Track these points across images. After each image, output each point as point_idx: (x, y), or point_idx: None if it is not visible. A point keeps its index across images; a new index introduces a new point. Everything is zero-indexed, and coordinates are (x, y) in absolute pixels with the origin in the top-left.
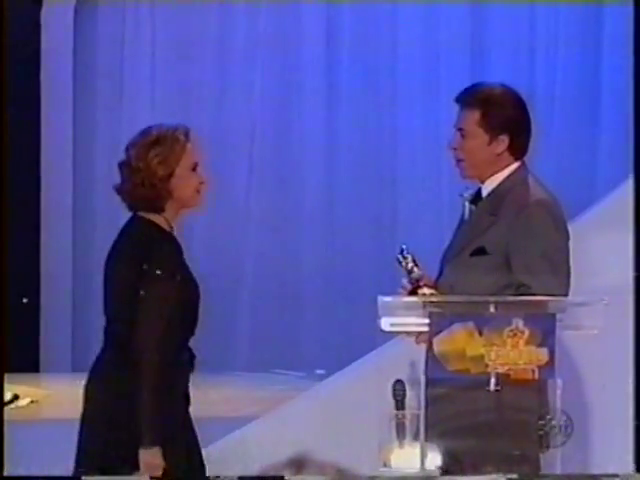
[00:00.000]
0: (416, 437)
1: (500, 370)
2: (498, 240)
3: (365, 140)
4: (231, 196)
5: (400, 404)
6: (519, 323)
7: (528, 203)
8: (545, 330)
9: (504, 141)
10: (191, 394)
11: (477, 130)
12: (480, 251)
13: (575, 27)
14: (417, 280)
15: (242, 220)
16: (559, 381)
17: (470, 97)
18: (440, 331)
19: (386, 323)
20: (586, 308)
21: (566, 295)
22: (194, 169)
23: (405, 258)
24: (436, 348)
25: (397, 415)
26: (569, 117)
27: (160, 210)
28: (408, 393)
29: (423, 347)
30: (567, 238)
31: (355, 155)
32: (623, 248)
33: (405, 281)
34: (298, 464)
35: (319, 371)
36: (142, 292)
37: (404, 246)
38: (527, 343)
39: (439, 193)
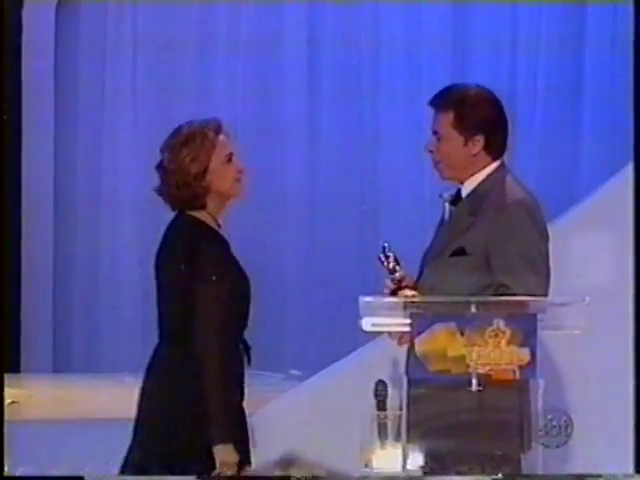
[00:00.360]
0: (398, 437)
1: (481, 370)
2: (478, 240)
3: (347, 139)
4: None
5: (382, 404)
6: (500, 323)
7: (507, 203)
8: (526, 330)
9: (479, 141)
10: None
11: (451, 132)
12: (460, 252)
13: (557, 27)
14: (399, 281)
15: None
16: (541, 381)
17: (443, 100)
18: (421, 331)
19: (367, 323)
20: (567, 308)
21: (545, 295)
22: (229, 160)
23: (387, 258)
24: (417, 348)
25: (379, 415)
26: (551, 117)
27: (202, 206)
28: (390, 393)
29: (405, 348)
30: (546, 238)
31: (337, 155)
32: (604, 248)
33: (388, 281)
34: (286, 463)
35: (296, 372)
36: (196, 290)
37: (386, 245)
38: (509, 343)
39: (421, 193)
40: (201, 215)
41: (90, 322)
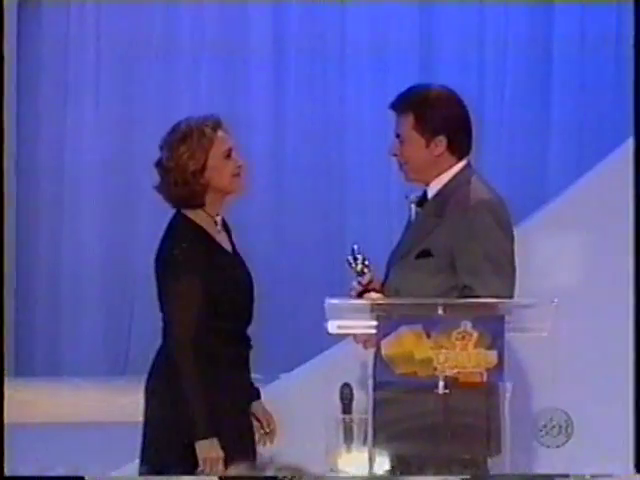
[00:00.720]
0: (364, 441)
1: (448, 373)
2: (443, 242)
3: (313, 141)
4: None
5: (347, 408)
6: (468, 325)
7: (471, 204)
8: (494, 332)
9: (442, 142)
10: (130, 399)
11: (413, 134)
12: (425, 253)
13: (525, 27)
14: (367, 283)
15: None
16: (508, 384)
17: (403, 102)
18: (388, 334)
19: (333, 326)
20: (535, 310)
21: (511, 297)
22: (228, 156)
23: (355, 260)
24: (384, 351)
25: (344, 419)
26: (519, 117)
27: (201, 204)
28: (355, 396)
29: (371, 350)
30: (512, 239)
31: (303, 157)
32: (572, 250)
33: (355, 283)
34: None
35: (258, 376)
36: (167, 288)
37: (355, 247)
38: (476, 346)
39: (388, 193)
40: (197, 215)
41: (52, 324)
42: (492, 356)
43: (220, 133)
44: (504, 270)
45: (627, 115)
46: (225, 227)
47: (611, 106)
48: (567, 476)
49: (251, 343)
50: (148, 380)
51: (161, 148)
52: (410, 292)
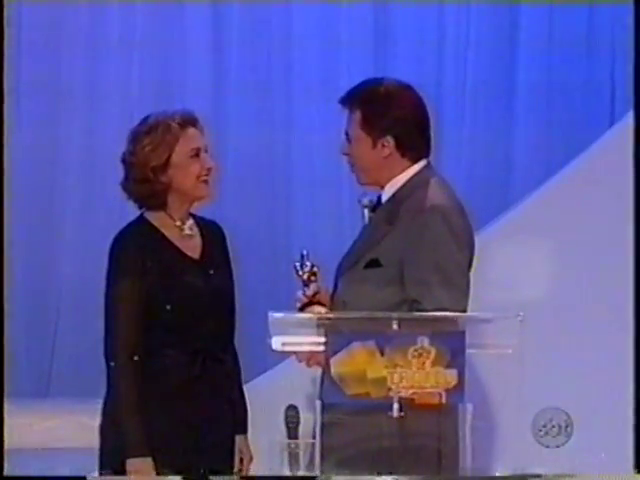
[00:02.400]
0: (310, 468)
1: (404, 394)
2: (392, 251)
3: (255, 141)
4: (106, 204)
5: (293, 432)
6: (425, 342)
7: (423, 209)
8: (453, 349)
9: (389, 142)
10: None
11: (360, 133)
12: (374, 263)
13: (486, 25)
14: (312, 294)
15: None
16: (469, 406)
17: (351, 98)
18: (337, 351)
19: (277, 342)
20: (499, 325)
21: (463, 311)
22: (195, 156)
23: (303, 267)
24: (333, 370)
25: (290, 444)
26: (481, 118)
27: (161, 205)
28: (302, 420)
29: (316, 369)
30: (467, 248)
31: (244, 157)
32: (537, 259)
33: (300, 294)
34: None
35: None
36: (106, 295)
37: (305, 253)
38: (434, 364)
39: (339, 197)
40: (158, 218)
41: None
42: (451, 375)
43: (191, 130)
44: (455, 282)
45: (598, 114)
46: (204, 231)
47: (581, 105)
48: (567, 476)
49: (224, 362)
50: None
51: (126, 143)
52: (358, 305)
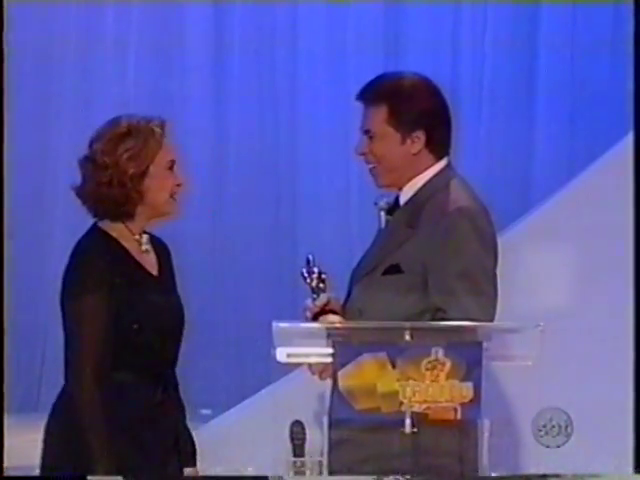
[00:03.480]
0: None
1: (417, 409)
2: (414, 256)
3: (259, 144)
4: None
5: (299, 449)
6: (439, 353)
7: (448, 212)
8: (470, 361)
9: (420, 138)
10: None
11: (386, 129)
12: (394, 269)
13: (504, 24)
14: (324, 304)
15: None
16: (486, 421)
17: (373, 92)
18: (346, 363)
19: (282, 353)
20: (518, 336)
21: (491, 321)
22: (171, 168)
23: (310, 274)
24: (341, 383)
25: (295, 462)
26: (499, 119)
27: (129, 216)
28: (308, 437)
29: (327, 382)
30: (494, 253)
31: (247, 160)
32: (561, 263)
33: (309, 302)
34: None
35: (204, 411)
36: (69, 312)
37: (311, 258)
38: (448, 377)
39: (346, 202)
40: (116, 230)
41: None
42: (467, 389)
43: (166, 140)
44: (482, 290)
45: (622, 112)
46: (157, 248)
47: (604, 105)
48: (599, 476)
49: (176, 387)
50: (49, 420)
51: (91, 143)
52: (375, 314)
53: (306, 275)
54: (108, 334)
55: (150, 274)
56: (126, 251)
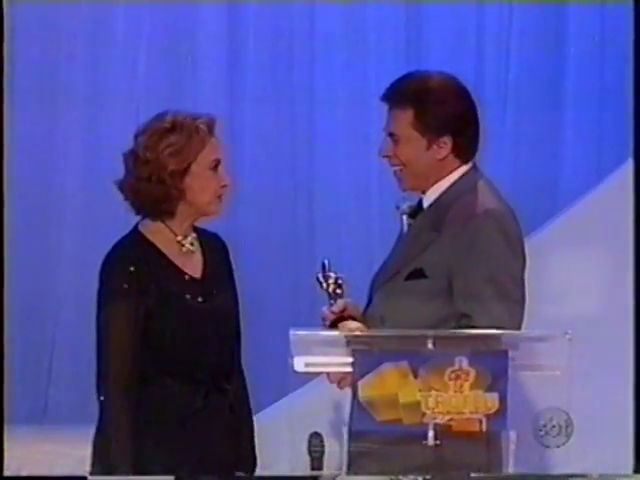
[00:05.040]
0: None
1: (440, 420)
2: (439, 261)
3: (275, 144)
4: (109, 211)
5: (317, 462)
6: (463, 362)
7: (474, 214)
8: (495, 371)
9: (446, 144)
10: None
11: (412, 133)
12: (417, 274)
13: (531, 26)
14: (341, 310)
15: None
16: (512, 433)
17: (399, 94)
18: (366, 373)
19: (300, 363)
20: (545, 344)
21: (518, 328)
22: (215, 168)
23: (327, 279)
24: (362, 393)
25: (313, 476)
26: (525, 121)
27: (169, 215)
28: (327, 449)
29: (347, 392)
30: (522, 258)
31: (262, 162)
32: (590, 268)
33: (326, 309)
34: None
35: None
36: (98, 318)
37: (327, 262)
38: (473, 387)
39: (366, 203)
40: (155, 232)
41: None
42: (492, 399)
43: (213, 139)
44: (511, 296)
45: None
46: (206, 247)
47: (633, 106)
48: (567, 476)
49: (228, 393)
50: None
51: (136, 137)
52: (398, 321)
53: (322, 280)
54: (136, 343)
55: (189, 276)
56: (161, 254)
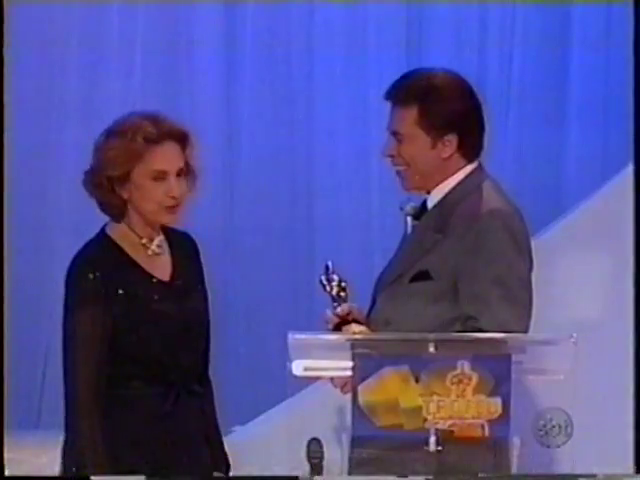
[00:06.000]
0: None
1: (441, 426)
2: (444, 262)
3: (275, 145)
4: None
5: (317, 469)
6: (465, 366)
7: (480, 214)
8: (498, 375)
9: (451, 142)
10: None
11: (417, 132)
12: (422, 276)
13: (535, 23)
14: (346, 314)
15: None
16: (515, 439)
17: (403, 91)
18: (366, 377)
19: (299, 367)
20: (550, 348)
21: (525, 331)
22: (158, 179)
23: (330, 282)
24: (362, 398)
25: None
26: (529, 121)
27: (121, 217)
28: (327, 455)
29: (346, 397)
30: (529, 259)
31: (263, 162)
32: (596, 270)
33: (330, 312)
34: None
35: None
36: (63, 321)
37: (330, 264)
38: (475, 392)
39: (367, 204)
40: (121, 234)
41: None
42: (495, 404)
43: (165, 147)
44: (517, 298)
45: None
46: (176, 248)
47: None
48: (575, 476)
49: (199, 395)
50: None
51: (99, 136)
52: (403, 324)
53: (325, 283)
54: (103, 348)
55: (158, 280)
56: (127, 257)
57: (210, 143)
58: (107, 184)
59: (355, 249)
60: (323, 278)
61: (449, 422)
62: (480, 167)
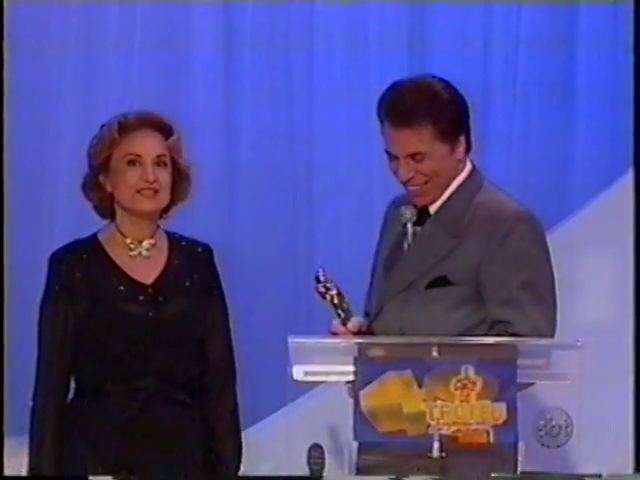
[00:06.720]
0: None
1: (445, 431)
2: (465, 267)
3: (274, 146)
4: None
5: (318, 475)
6: (469, 371)
7: (504, 217)
8: (503, 380)
9: (461, 141)
10: None
11: (435, 145)
12: (441, 282)
13: (541, 24)
14: (358, 329)
15: None
16: (521, 444)
17: (408, 114)
18: (368, 382)
19: (299, 371)
20: (555, 352)
21: (552, 335)
22: (132, 163)
23: (327, 290)
24: (364, 404)
25: None
26: (534, 123)
27: (110, 216)
28: (328, 461)
29: (349, 403)
30: (551, 259)
31: (262, 163)
32: (602, 273)
33: (338, 324)
34: None
35: None
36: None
37: (320, 271)
38: (480, 397)
39: (368, 204)
40: (108, 236)
41: None
42: (500, 410)
43: (142, 134)
44: (546, 301)
45: None
46: (176, 254)
47: None
48: (599, 476)
49: (181, 402)
50: None
51: None
52: (421, 331)
53: (322, 290)
54: (65, 347)
55: (135, 281)
56: (106, 257)
57: (209, 143)
58: (93, 177)
59: (355, 250)
60: (320, 286)
61: (453, 428)
62: (474, 167)
